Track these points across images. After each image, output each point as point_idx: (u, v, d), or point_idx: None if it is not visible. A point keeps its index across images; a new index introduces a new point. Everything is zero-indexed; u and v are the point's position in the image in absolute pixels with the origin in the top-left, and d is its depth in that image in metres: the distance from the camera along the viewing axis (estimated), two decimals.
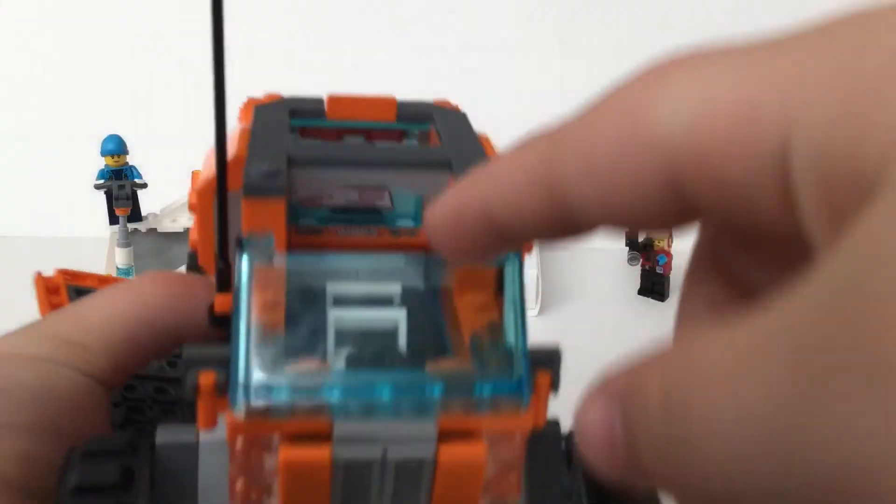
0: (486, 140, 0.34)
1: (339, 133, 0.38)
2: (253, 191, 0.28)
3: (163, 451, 0.28)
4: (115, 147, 0.90)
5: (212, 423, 0.25)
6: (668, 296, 0.99)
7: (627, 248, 1.02)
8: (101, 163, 0.91)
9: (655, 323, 0.95)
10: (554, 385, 0.26)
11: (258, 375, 0.23)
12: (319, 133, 0.38)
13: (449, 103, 0.38)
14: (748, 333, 0.14)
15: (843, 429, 0.12)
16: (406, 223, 0.38)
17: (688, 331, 0.22)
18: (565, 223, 0.18)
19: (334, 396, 0.23)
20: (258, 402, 0.23)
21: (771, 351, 0.13)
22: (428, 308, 0.29)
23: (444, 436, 0.24)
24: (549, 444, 0.31)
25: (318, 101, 0.35)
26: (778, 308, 0.13)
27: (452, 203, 0.20)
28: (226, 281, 0.29)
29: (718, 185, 0.16)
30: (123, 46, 1.11)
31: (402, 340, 0.28)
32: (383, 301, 0.29)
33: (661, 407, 0.15)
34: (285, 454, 0.23)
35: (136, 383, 0.40)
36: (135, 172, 0.92)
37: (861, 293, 0.12)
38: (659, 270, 0.98)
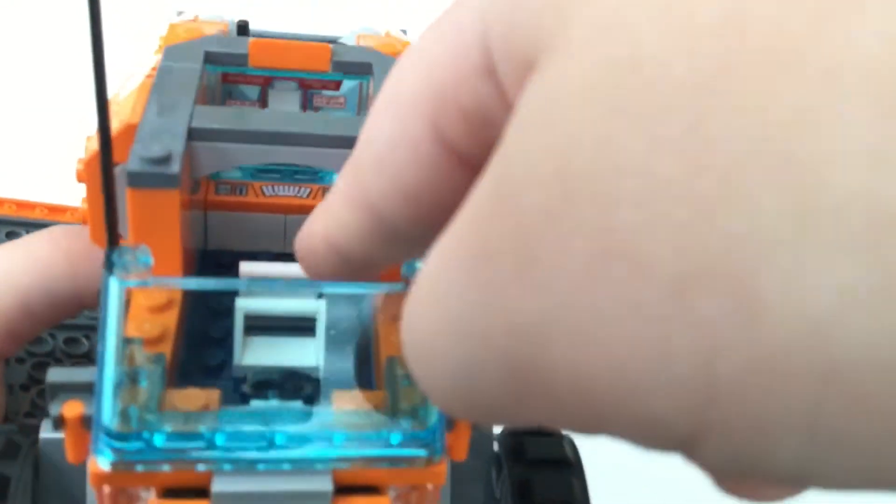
0: None
1: (268, 79, 0.33)
2: (138, 180, 0.24)
3: (48, 449, 0.26)
4: None
5: (82, 455, 0.22)
6: None
7: None
8: None
9: None
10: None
11: (125, 420, 0.20)
12: (243, 78, 0.33)
13: (396, 47, 0.34)
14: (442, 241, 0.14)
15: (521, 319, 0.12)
16: None
17: None
18: (391, 238, 0.18)
19: (217, 444, 0.20)
20: (125, 451, 0.20)
21: (452, 258, 0.13)
22: (355, 326, 0.26)
23: (343, 490, 0.21)
24: (478, 453, 0.28)
25: (241, 43, 0.31)
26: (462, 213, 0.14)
27: (304, 239, 0.21)
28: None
29: (464, 115, 0.16)
30: (123, 45, 1.06)
31: (317, 369, 0.25)
32: (302, 321, 0.25)
33: (405, 308, 0.15)
34: None
35: (45, 335, 0.37)
36: None
37: (503, 184, 0.12)
38: None
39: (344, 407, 0.22)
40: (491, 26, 0.15)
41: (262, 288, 0.24)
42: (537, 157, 0.12)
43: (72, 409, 0.21)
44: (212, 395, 0.22)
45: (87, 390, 0.21)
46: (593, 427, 0.12)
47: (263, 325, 0.26)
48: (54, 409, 0.21)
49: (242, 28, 0.36)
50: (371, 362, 0.25)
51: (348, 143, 0.27)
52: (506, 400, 0.13)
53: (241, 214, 0.32)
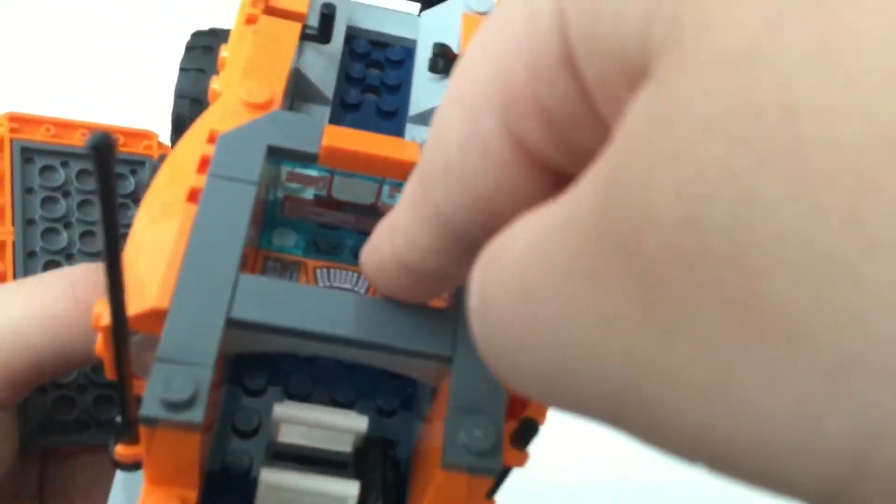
0: None
1: (342, 206, 0.28)
2: (155, 424, 0.20)
3: None
4: None
5: None
6: None
7: None
8: None
9: None
10: None
11: None
12: (315, 205, 0.27)
13: None
14: (539, 220, 0.13)
15: (607, 336, 0.12)
16: None
17: None
18: (464, 249, 0.17)
19: None
20: None
21: (550, 245, 0.13)
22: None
23: None
24: None
25: (312, 136, 0.25)
26: (559, 207, 0.13)
27: (371, 259, 0.20)
28: (129, 434, 0.22)
29: (538, 110, 0.14)
30: (124, 44, 1.05)
31: None
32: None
33: (475, 287, 0.14)
34: None
35: None
36: None
37: (617, 211, 0.11)
38: None
39: None
40: (568, 7, 0.13)
41: None
42: (663, 194, 0.11)
43: None
44: None
45: None
46: (697, 462, 0.12)
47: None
48: None
49: (327, 17, 0.30)
50: None
51: (423, 354, 0.22)
52: (598, 414, 0.13)
53: None
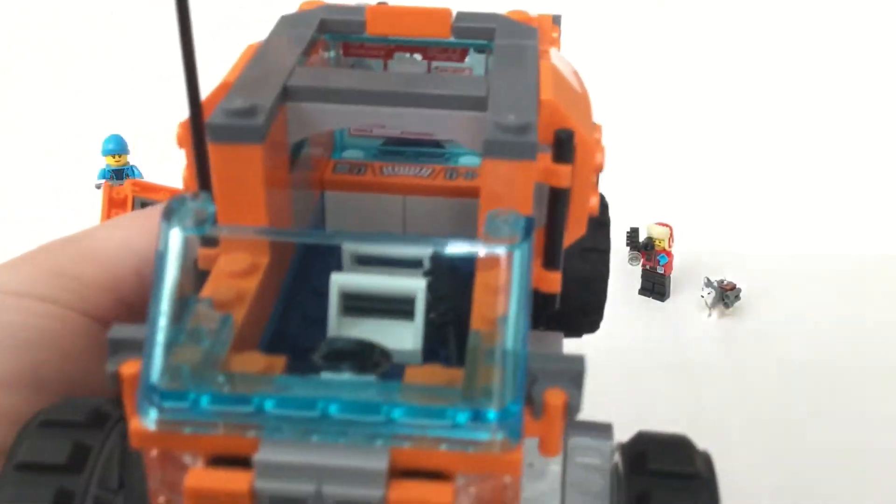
0: (550, 71, 0.28)
1: (390, 50, 0.32)
2: (219, 134, 0.23)
3: None
4: (116, 147, 0.89)
5: None
6: (668, 296, 0.98)
7: (628, 248, 1.00)
8: (102, 162, 0.90)
9: (655, 323, 0.94)
10: (571, 408, 0.20)
11: (176, 378, 0.19)
12: (364, 50, 0.32)
13: (524, 15, 0.32)
14: None
15: None
16: (470, 161, 0.33)
17: None
18: None
19: (266, 409, 0.18)
20: (170, 411, 0.18)
21: None
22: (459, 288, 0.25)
23: (400, 473, 0.19)
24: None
25: (358, 11, 0.30)
26: None
27: None
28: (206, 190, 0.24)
29: None
30: (124, 46, 1.11)
31: (416, 353, 0.24)
32: (401, 304, 0.25)
33: None
34: (193, 482, 0.18)
35: None
36: (136, 172, 0.88)
37: None
38: (660, 270, 0.97)
39: (413, 382, 0.20)
40: None
41: (351, 239, 0.24)
42: None
43: (130, 367, 0.20)
44: (276, 362, 0.20)
45: None
46: None
47: (361, 307, 0.24)
48: (111, 366, 0.20)
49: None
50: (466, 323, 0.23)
51: (445, 102, 0.25)
52: None
53: (358, 195, 0.31)
